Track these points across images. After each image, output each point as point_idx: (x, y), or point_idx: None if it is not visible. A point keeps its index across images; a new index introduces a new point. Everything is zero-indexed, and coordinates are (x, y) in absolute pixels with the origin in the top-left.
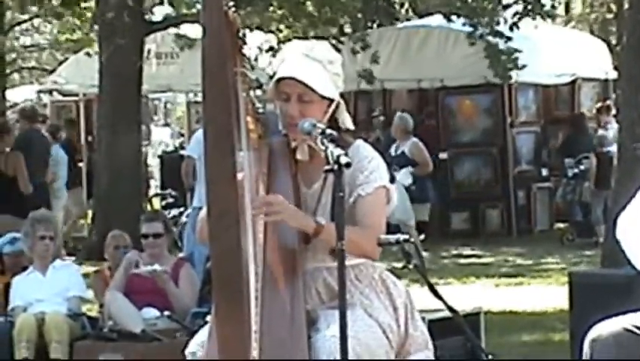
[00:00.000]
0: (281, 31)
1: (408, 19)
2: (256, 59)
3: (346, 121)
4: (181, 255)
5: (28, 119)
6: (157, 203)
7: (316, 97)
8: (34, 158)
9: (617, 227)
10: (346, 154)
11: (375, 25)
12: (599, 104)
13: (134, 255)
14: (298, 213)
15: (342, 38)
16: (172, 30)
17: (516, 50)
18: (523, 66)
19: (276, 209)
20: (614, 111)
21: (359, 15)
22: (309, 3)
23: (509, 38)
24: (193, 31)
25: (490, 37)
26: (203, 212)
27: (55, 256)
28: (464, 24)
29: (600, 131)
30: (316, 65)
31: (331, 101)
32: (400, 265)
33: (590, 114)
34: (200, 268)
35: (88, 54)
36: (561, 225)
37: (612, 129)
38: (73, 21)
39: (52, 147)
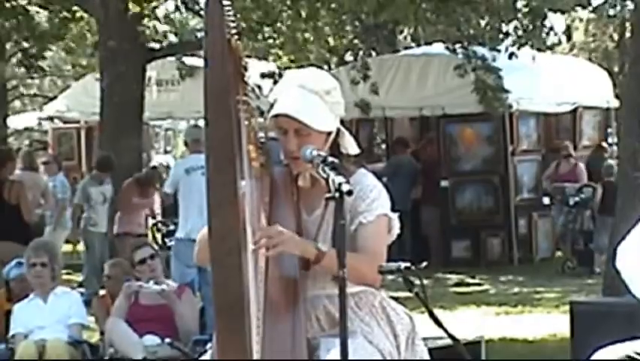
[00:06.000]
0: (280, 57)
1: (407, 48)
2: (254, 89)
3: (349, 146)
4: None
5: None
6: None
7: (313, 130)
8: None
9: (616, 257)
10: (348, 182)
11: (375, 53)
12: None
13: (133, 283)
14: (298, 241)
15: (341, 68)
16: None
17: (505, 91)
18: (510, 106)
19: (276, 241)
20: (610, 140)
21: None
22: (307, 34)
23: (499, 77)
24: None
25: (480, 72)
26: (202, 233)
27: (55, 283)
28: (460, 51)
29: (608, 161)
30: (313, 97)
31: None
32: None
33: (589, 143)
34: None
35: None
36: (562, 253)
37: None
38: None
39: (57, 175)
